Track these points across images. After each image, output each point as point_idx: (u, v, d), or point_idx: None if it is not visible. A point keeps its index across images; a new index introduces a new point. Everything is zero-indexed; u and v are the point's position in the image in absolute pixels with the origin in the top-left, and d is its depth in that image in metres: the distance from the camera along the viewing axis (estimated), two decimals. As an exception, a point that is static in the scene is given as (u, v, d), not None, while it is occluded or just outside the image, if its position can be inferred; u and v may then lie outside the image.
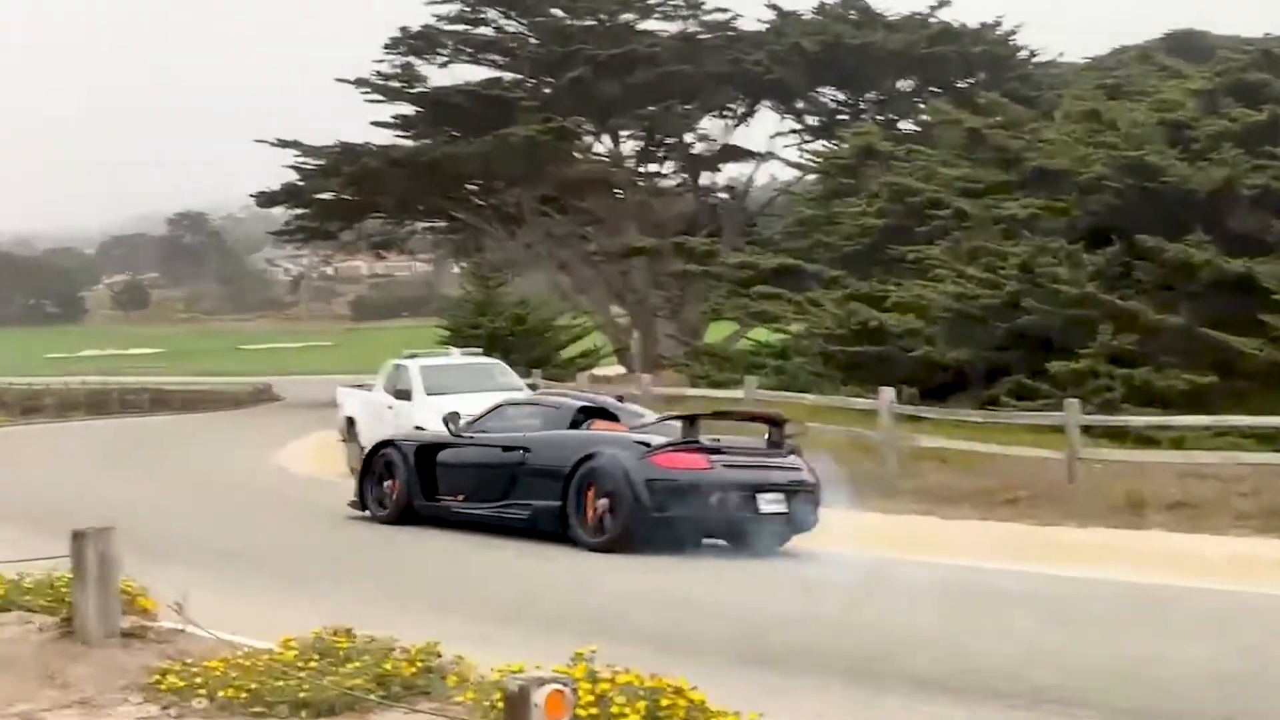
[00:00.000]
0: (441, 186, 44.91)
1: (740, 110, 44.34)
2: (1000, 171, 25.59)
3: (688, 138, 45.09)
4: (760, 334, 32.31)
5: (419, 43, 44.30)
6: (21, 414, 48.60)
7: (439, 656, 5.53)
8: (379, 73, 44.14)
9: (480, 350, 22.55)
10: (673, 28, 43.15)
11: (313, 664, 5.52)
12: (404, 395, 19.13)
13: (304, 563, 10.54)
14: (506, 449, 11.82)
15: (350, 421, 20.94)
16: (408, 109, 44.73)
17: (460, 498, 12.06)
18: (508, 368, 20.88)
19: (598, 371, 39.19)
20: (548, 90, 43.50)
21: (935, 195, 25.91)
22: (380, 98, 44.47)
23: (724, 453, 11.00)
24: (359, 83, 44.04)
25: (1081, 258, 21.18)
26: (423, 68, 44.51)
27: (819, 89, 42.81)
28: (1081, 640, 7.50)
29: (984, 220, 23.94)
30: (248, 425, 38.17)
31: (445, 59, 44.63)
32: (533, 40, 43.95)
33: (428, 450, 12.55)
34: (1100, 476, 14.23)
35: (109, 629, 6.14)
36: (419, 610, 8.00)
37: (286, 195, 46.92)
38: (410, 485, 12.32)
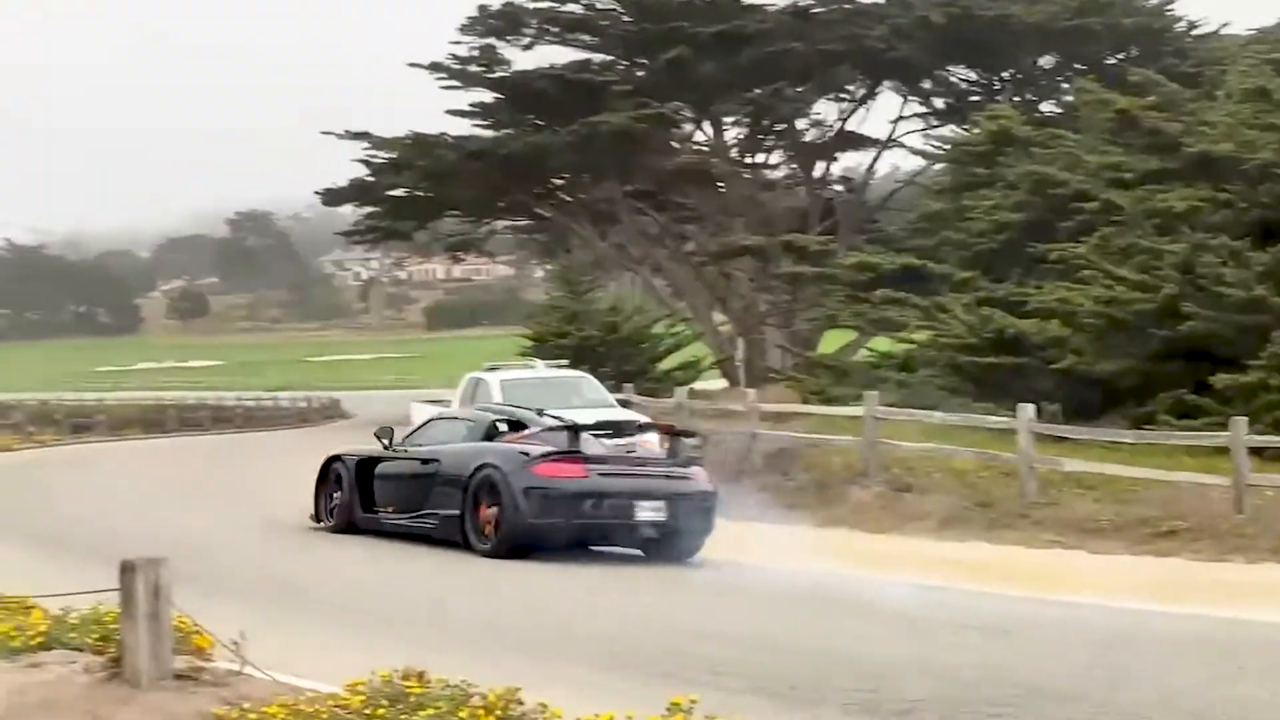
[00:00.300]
0: (524, 181, 45.22)
1: (858, 92, 44.07)
2: (1155, 159, 25.08)
3: (799, 124, 44.94)
4: (881, 344, 32.05)
5: (500, 22, 44.63)
6: (71, 432, 49.84)
7: (520, 704, 5.53)
8: (455, 56, 44.59)
9: (567, 362, 22.72)
10: (782, 1, 43.01)
11: (381, 711, 5.55)
12: None
13: (370, 598, 10.63)
14: (424, 462, 13.64)
15: None
16: (487, 96, 45.12)
17: (390, 509, 13.95)
18: (596, 382, 20.99)
19: (698, 385, 39.23)
20: (642, 73, 43.63)
21: (1081, 186, 25.49)
22: (457, 84, 44.92)
23: (603, 462, 12.64)
24: (433, 68, 44.54)
25: (1249, 256, 20.67)
26: (504, 50, 44.90)
27: (948, 67, 42.41)
28: (1258, 698, 7.28)
29: (1137, 214, 23.47)
30: (313, 445, 38.58)
31: (529, 40, 44.97)
32: (625, 18, 44.05)
33: (366, 464, 14.46)
34: (1272, 505, 13.87)
35: (160, 670, 6.17)
36: (493, 651, 8.02)
37: (355, 192, 47.60)
38: (352, 498, 14.34)
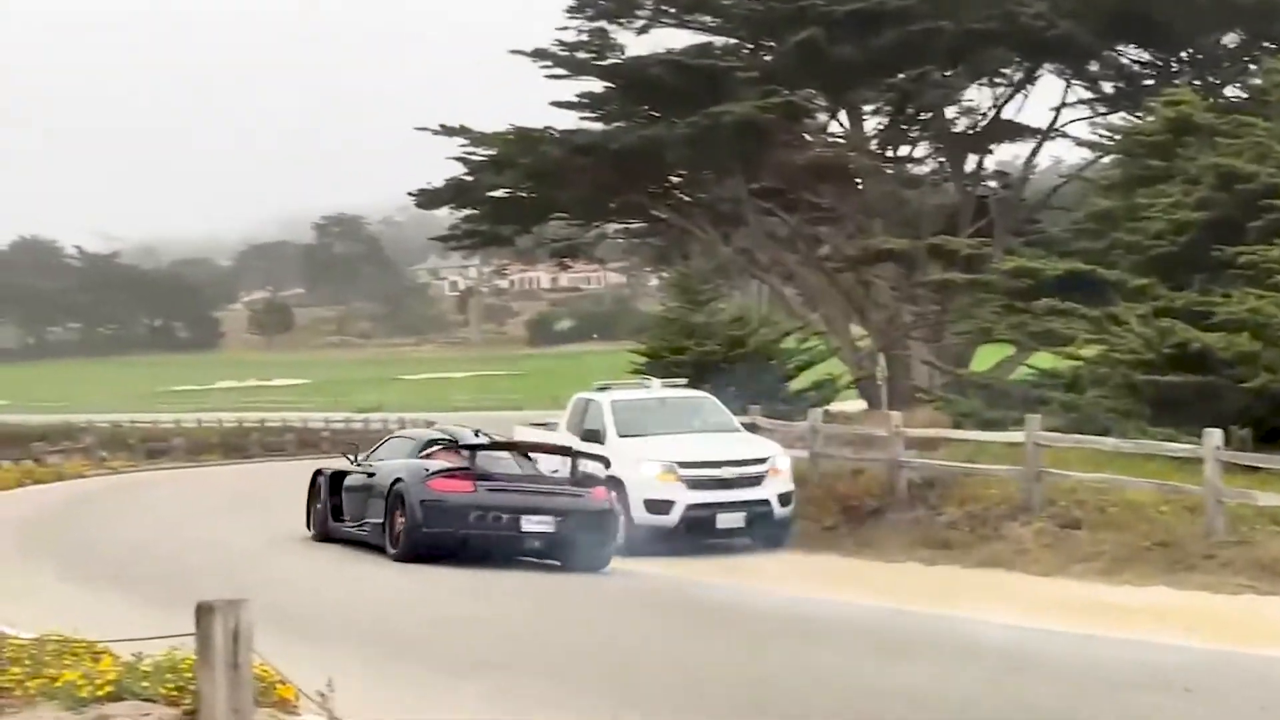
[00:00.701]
0: (638, 179, 45.28)
1: (1015, 76, 43.45)
2: (1361, 147, 24.41)
3: (948, 112, 44.43)
4: (1043, 360, 31.55)
5: (611, 4, 44.72)
6: (147, 457, 51.02)
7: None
8: (561, 42, 44.76)
9: (686, 381, 22.67)
10: (927, -26, 42.57)
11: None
12: (593, 437, 19.38)
13: (461, 641, 10.66)
14: (368, 475, 16.98)
15: None
16: (597, 85, 45.23)
17: (348, 519, 17.25)
18: (719, 403, 20.92)
19: (834, 407, 38.94)
20: (769, 58, 43.47)
21: (1272, 180, 24.88)
22: (564, 72, 45.13)
23: (492, 479, 15.78)
24: (537, 55, 44.78)
25: None
26: (616, 34, 44.93)
27: (1117, 47, 41.64)
28: None
29: (1340, 211, 22.85)
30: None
31: (643, 23, 44.99)
32: (751, -4, 43.99)
33: (338, 478, 17.85)
34: None
35: (241, 723, 6.23)
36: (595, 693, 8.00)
37: (452, 193, 48.01)
38: (326, 509, 17.60)
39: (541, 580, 15.02)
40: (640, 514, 18.20)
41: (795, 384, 38.01)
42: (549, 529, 15.55)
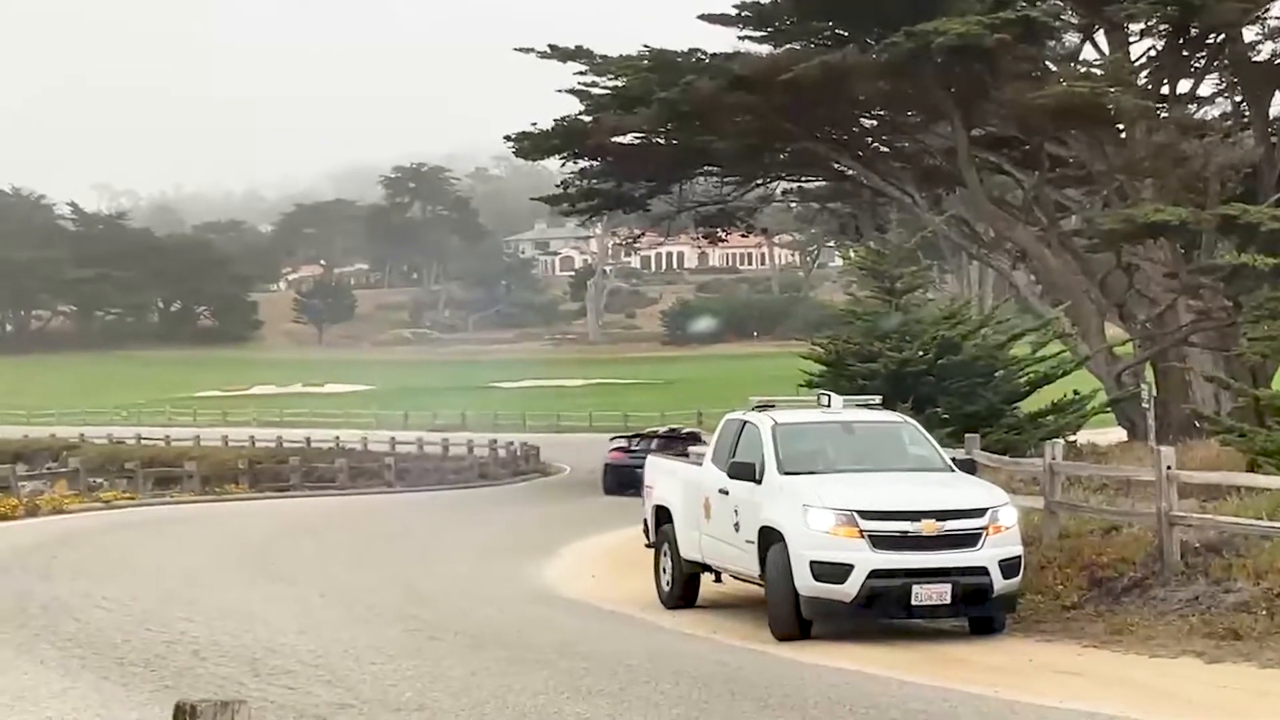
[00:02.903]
0: (816, 121, 44.94)
1: (1342, -16, 42.54)
2: None
3: (1247, 34, 43.60)
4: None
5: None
6: (155, 485, 51.77)
7: None
8: (717, -66, 44.77)
9: (880, 400, 22.22)
10: None
11: None
12: (744, 473, 19.17)
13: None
14: None
15: (662, 515, 21.18)
16: (763, -6, 45.11)
17: None
18: (921, 431, 20.48)
19: (1081, 437, 38.33)
20: (1000, -43, 42.97)
21: None
22: (719, -25, 45.07)
23: None
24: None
25: None
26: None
27: None
28: None
29: None
30: (501, 513, 39.32)
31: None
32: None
33: None
34: None
35: None
36: None
37: (565, 138, 48.06)
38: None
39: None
40: (805, 580, 17.92)
41: (1027, 405, 37.49)
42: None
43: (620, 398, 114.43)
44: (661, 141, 46.88)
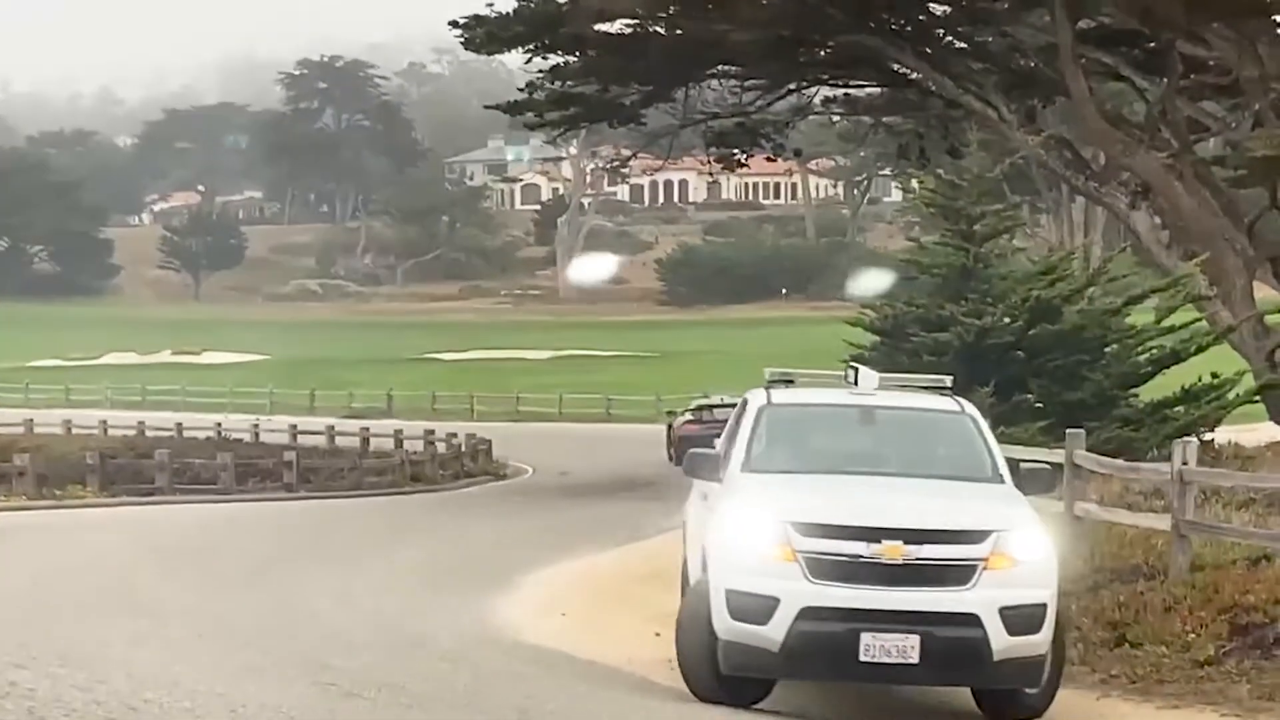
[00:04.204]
0: (870, 7, 45.01)
1: None
2: None
3: None
4: None
5: None
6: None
7: None
8: None
9: (950, 380, 21.57)
10: None
11: None
12: (709, 470, 19.03)
13: None
14: None
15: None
16: None
17: None
18: (978, 425, 19.84)
19: (1221, 435, 38.35)
20: None
21: None
22: None
23: None
24: None
25: None
26: None
27: None
28: None
29: None
30: (441, 529, 39.28)
31: None
32: None
33: None
34: None
35: None
36: None
37: (532, 24, 48.10)
38: None
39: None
40: (722, 619, 17.48)
41: (1148, 391, 37.62)
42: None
43: (600, 374, 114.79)
44: (662, 31, 46.90)
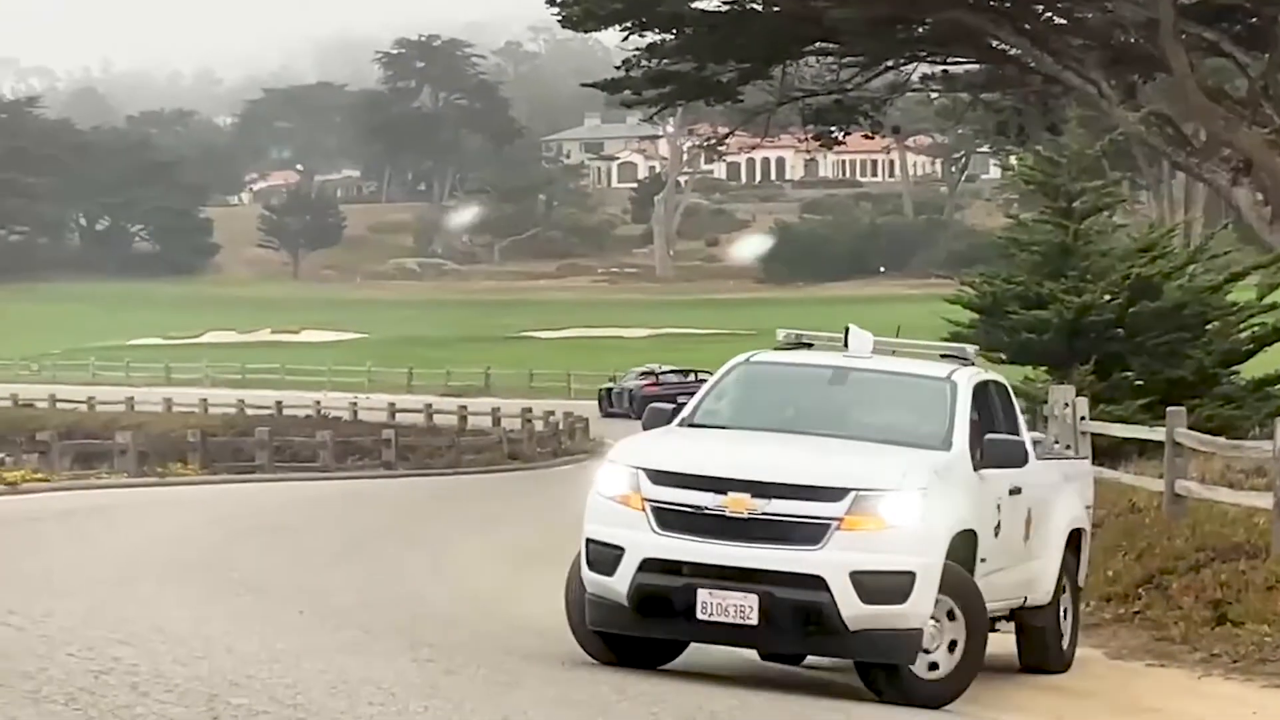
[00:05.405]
0: (971, -17, 44.92)
1: None
2: None
3: None
4: None
5: None
6: (76, 463, 52.00)
7: None
8: None
9: (975, 350, 20.64)
10: None
11: None
12: (660, 425, 18.85)
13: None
14: None
15: None
16: None
17: None
18: (958, 395, 18.85)
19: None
20: None
21: None
22: None
23: None
24: None
25: None
26: None
27: None
28: None
29: None
30: (540, 507, 39.34)
31: None
32: None
33: None
34: None
35: None
36: None
37: (629, 2, 48.09)
38: None
39: None
40: (585, 570, 17.07)
41: (1250, 369, 37.44)
42: None
43: (697, 352, 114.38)
44: (759, 8, 46.83)
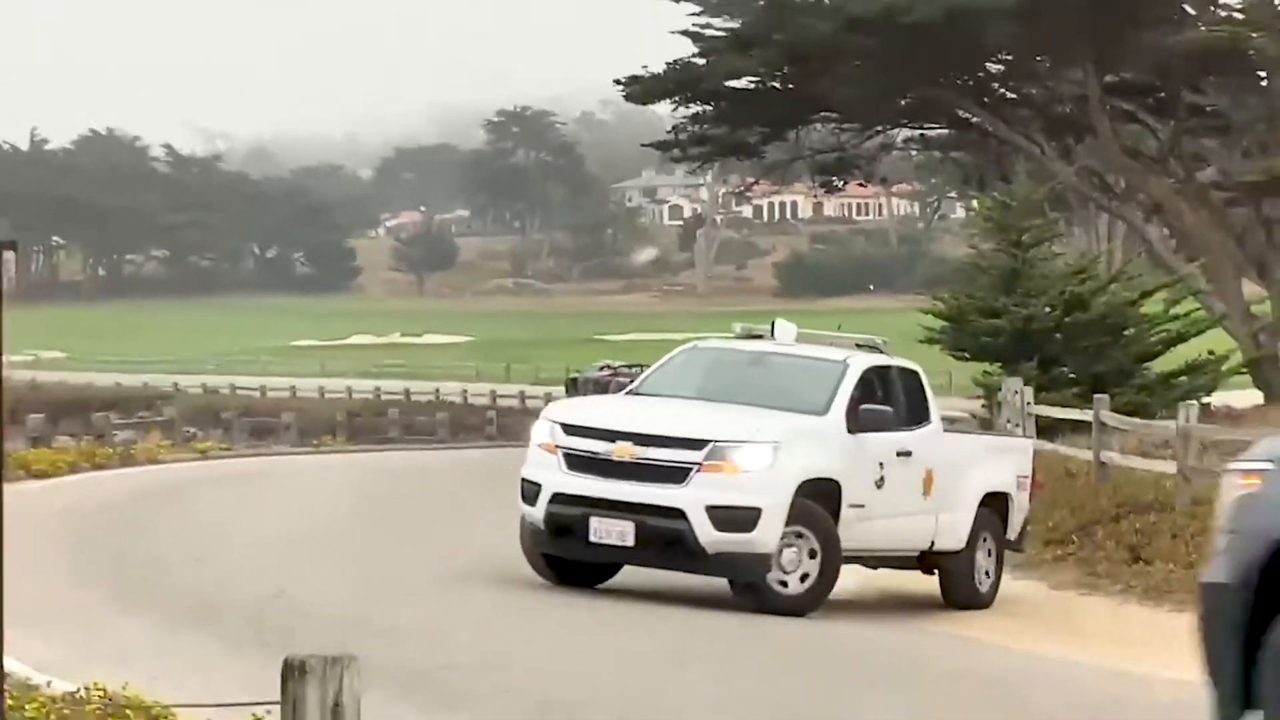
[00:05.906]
0: (942, 66, 44.69)
1: None
2: None
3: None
4: None
5: None
6: (251, 436, 52.22)
7: None
8: None
9: (884, 341, 20.08)
10: None
11: None
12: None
13: None
14: None
15: None
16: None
17: None
18: (847, 375, 18.31)
19: (1216, 399, 38.01)
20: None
21: None
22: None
23: None
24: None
25: None
26: None
27: None
28: None
29: None
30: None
31: None
32: None
33: None
34: None
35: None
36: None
37: (677, 82, 47.97)
38: None
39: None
40: (521, 504, 17.40)
41: (1160, 365, 37.23)
42: None
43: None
44: (778, 86, 46.70)
